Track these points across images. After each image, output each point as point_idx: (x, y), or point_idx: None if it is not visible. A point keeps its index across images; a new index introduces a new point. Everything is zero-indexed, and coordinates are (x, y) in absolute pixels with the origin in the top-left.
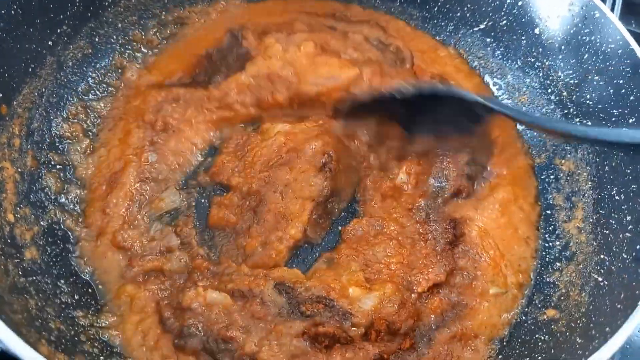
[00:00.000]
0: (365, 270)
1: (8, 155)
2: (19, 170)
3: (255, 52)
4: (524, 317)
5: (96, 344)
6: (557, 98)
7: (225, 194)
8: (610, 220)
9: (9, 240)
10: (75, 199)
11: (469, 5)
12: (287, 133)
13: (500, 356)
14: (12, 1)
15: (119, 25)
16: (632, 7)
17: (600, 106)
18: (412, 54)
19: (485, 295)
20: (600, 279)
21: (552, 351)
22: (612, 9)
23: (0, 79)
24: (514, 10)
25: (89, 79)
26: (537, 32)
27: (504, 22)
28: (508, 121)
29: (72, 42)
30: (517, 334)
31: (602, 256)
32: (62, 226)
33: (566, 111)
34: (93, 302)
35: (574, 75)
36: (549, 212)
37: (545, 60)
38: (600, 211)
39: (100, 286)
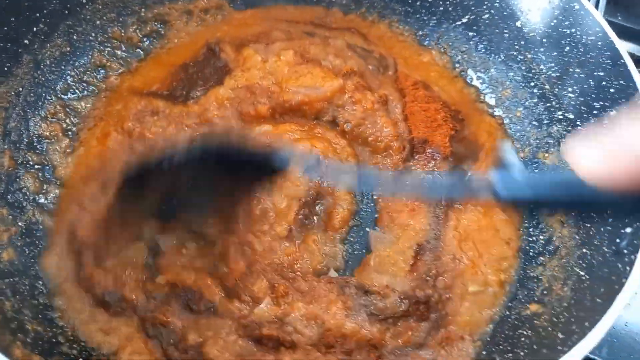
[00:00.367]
0: None
1: None
2: None
3: (234, 64)
4: (507, 313)
5: (75, 345)
6: (539, 91)
7: None
8: (592, 214)
9: None
10: (55, 199)
11: (451, 0)
12: (269, 133)
13: (484, 352)
14: None
15: (98, 22)
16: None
17: (582, 99)
18: (395, 60)
19: (464, 295)
20: (582, 272)
21: (534, 347)
22: (597, 2)
23: None
24: (496, 4)
25: (68, 77)
26: (519, 25)
27: (486, 15)
28: (495, 126)
29: (49, 40)
30: (501, 329)
31: (584, 250)
32: (40, 226)
33: (548, 104)
34: None
35: (556, 68)
36: (532, 205)
37: (527, 54)
38: None
39: None
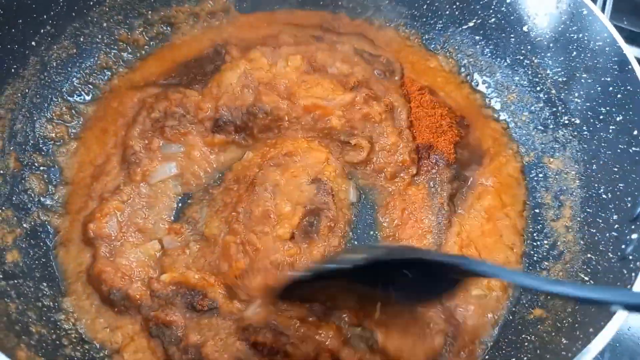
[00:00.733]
0: None
1: None
2: (1, 172)
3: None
4: (511, 317)
5: (78, 348)
6: (545, 96)
7: None
8: (598, 219)
9: None
10: (60, 200)
11: (457, 3)
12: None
13: (487, 357)
14: None
15: (104, 24)
16: (624, 4)
17: (588, 104)
18: (401, 65)
19: (468, 298)
20: (586, 278)
21: (538, 351)
22: (603, 6)
23: None
24: (502, 8)
25: (74, 79)
26: (526, 30)
27: (493, 19)
28: (500, 131)
29: (56, 42)
30: (505, 334)
31: (588, 255)
32: (45, 227)
33: (554, 109)
34: None
35: (563, 72)
36: (537, 210)
37: (533, 58)
38: (588, 210)
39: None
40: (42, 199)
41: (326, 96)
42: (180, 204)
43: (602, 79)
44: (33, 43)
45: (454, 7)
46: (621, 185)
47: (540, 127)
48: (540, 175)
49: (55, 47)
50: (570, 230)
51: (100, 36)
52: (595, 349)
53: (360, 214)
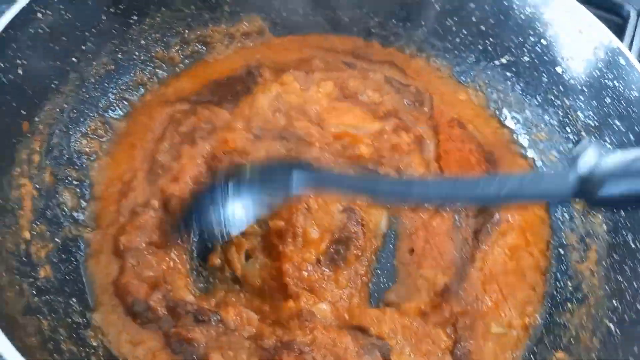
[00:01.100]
0: None
1: (27, 172)
2: (37, 186)
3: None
4: (532, 357)
5: None
6: (575, 138)
7: None
8: (624, 267)
9: (24, 259)
10: (91, 214)
11: (491, 39)
12: None
13: None
14: (40, 20)
15: (142, 42)
16: None
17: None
18: (431, 96)
19: (487, 334)
20: (612, 326)
21: None
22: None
23: (24, 96)
24: (537, 48)
25: (110, 95)
26: (559, 71)
27: (526, 58)
28: (527, 168)
29: (96, 58)
30: None
31: (614, 303)
32: (76, 242)
33: None
34: None
35: (595, 117)
36: (561, 251)
37: (565, 100)
38: (615, 256)
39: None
40: (74, 213)
41: (356, 124)
42: None
43: (636, 127)
44: (74, 59)
45: (488, 42)
46: None
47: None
48: (566, 215)
49: (94, 63)
50: (595, 274)
51: (137, 53)
52: None
53: (382, 242)
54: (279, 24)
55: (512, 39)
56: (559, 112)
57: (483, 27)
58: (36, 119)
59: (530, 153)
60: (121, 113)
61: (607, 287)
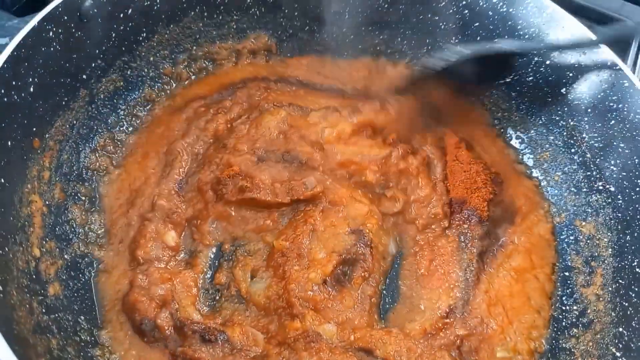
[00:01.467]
0: None
1: (37, 188)
2: (47, 203)
3: None
4: None
5: None
6: (580, 159)
7: None
8: (630, 293)
9: (34, 276)
10: (100, 230)
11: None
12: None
13: None
14: (52, 39)
15: (151, 59)
16: None
17: (624, 174)
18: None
19: (492, 359)
20: (618, 353)
21: None
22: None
23: (35, 113)
24: (541, 69)
25: (119, 111)
26: (564, 92)
27: (530, 78)
28: (533, 189)
29: (105, 75)
30: None
31: (620, 329)
32: (85, 258)
33: (589, 173)
34: None
35: (599, 139)
36: (567, 274)
37: (570, 120)
38: (620, 281)
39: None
40: (83, 229)
41: (362, 152)
42: None
43: None
44: (84, 76)
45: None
46: None
47: (573, 189)
48: (572, 237)
49: (104, 79)
50: (601, 299)
51: (146, 70)
52: None
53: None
54: (287, 43)
55: (517, 58)
56: (564, 132)
57: None
58: (47, 135)
59: (536, 173)
60: (130, 129)
61: (612, 314)
